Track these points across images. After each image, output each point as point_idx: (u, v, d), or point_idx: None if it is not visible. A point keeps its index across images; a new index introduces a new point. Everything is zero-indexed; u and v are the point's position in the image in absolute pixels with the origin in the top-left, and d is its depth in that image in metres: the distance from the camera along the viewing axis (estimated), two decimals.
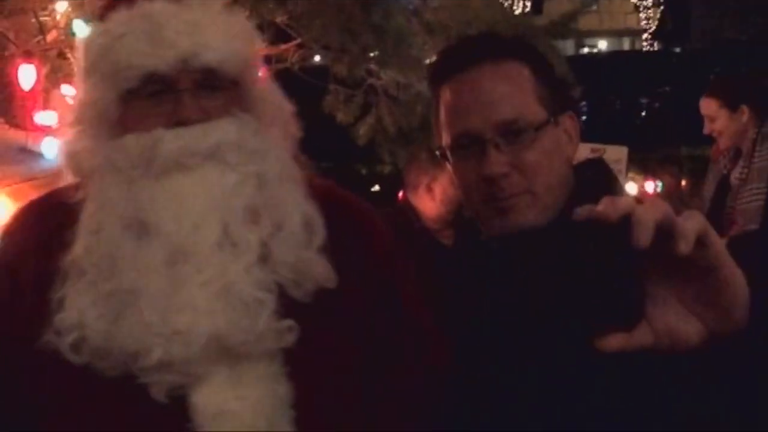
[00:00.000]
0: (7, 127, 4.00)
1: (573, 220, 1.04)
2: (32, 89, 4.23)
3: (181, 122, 1.59)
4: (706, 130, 5.14)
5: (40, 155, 3.74)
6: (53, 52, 4.38)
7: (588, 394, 1.51)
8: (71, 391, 1.58)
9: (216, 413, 1.54)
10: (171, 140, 1.58)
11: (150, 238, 1.57)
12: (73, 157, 1.68)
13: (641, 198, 1.08)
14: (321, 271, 1.63)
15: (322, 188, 1.76)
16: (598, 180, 1.78)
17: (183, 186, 1.58)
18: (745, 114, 4.99)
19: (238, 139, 1.61)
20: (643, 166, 8.12)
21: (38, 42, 4.25)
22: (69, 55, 4.56)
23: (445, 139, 1.75)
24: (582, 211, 1.04)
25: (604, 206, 1.04)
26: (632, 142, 6.54)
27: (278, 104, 1.74)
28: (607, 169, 1.85)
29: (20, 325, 1.60)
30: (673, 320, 1.08)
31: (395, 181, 5.17)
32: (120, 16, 1.63)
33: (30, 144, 3.82)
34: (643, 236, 0.99)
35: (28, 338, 1.56)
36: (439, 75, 1.79)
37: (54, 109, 4.24)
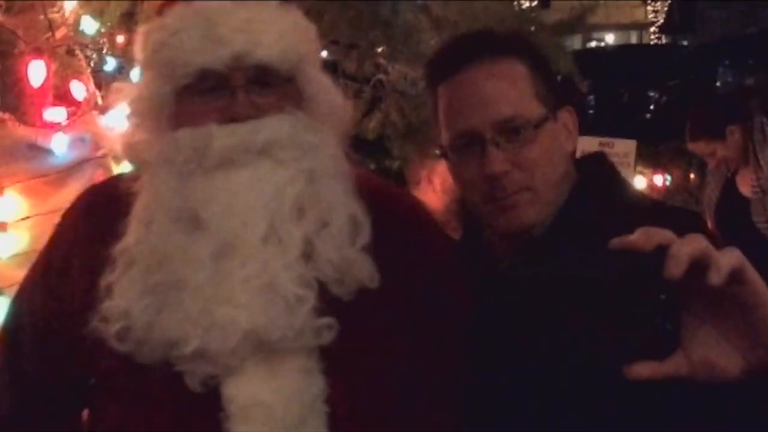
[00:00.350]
0: (17, 123, 4.00)
1: (607, 249, 1.04)
2: (42, 86, 4.24)
3: (234, 118, 1.61)
4: (711, 166, 5.15)
5: (50, 152, 3.75)
6: (62, 49, 4.38)
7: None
8: (113, 375, 1.63)
9: (248, 404, 1.56)
10: (223, 136, 1.60)
11: (199, 232, 1.60)
12: (130, 148, 1.74)
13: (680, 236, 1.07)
14: (364, 271, 1.65)
15: (372, 186, 1.78)
16: (601, 174, 1.78)
17: (234, 182, 1.61)
18: (735, 133, 4.98)
19: (289, 135, 1.63)
20: (651, 159, 8.08)
21: (47, 39, 4.24)
22: (78, 52, 4.57)
23: (445, 139, 1.75)
24: (616, 242, 1.05)
25: (638, 236, 1.04)
26: (641, 135, 6.52)
27: (332, 100, 1.76)
28: (609, 163, 1.85)
29: (70, 308, 1.63)
30: (713, 353, 1.08)
31: (404, 177, 5.16)
32: (176, 12, 1.67)
33: (40, 141, 3.82)
34: (675, 268, 1.01)
35: (77, 322, 1.62)
36: (435, 75, 1.79)
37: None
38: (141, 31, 1.75)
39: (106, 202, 1.76)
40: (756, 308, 1.06)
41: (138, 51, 1.77)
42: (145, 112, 1.71)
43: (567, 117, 1.77)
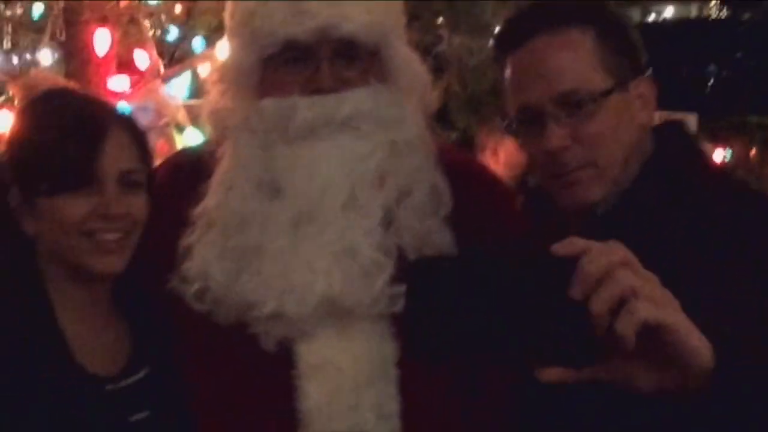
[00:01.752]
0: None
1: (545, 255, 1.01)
2: (106, 55, 4.28)
3: (318, 90, 1.63)
4: None
5: None
6: (126, 18, 4.42)
7: None
8: (191, 334, 1.67)
9: (319, 364, 1.59)
10: (306, 108, 1.62)
11: (279, 200, 1.63)
12: (215, 114, 1.75)
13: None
14: (443, 241, 1.66)
15: (453, 158, 1.78)
16: (677, 148, 1.72)
17: (315, 153, 1.63)
18: None
19: (372, 108, 1.64)
20: (711, 134, 7.97)
21: (112, 8, 4.27)
22: (141, 21, 4.60)
23: (509, 113, 1.73)
24: (557, 248, 1.02)
25: (560, 246, 1.02)
26: (700, 110, 6.42)
27: (416, 73, 1.76)
28: (686, 134, 1.79)
29: (155, 266, 1.67)
30: (629, 364, 1.05)
31: (463, 148, 5.14)
32: None
33: None
34: (576, 289, 0.98)
35: (161, 280, 1.66)
36: (502, 47, 1.76)
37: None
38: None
39: (190, 165, 1.79)
40: (675, 359, 1.03)
41: (226, 19, 1.78)
42: (231, 79, 1.73)
43: (644, 87, 1.69)
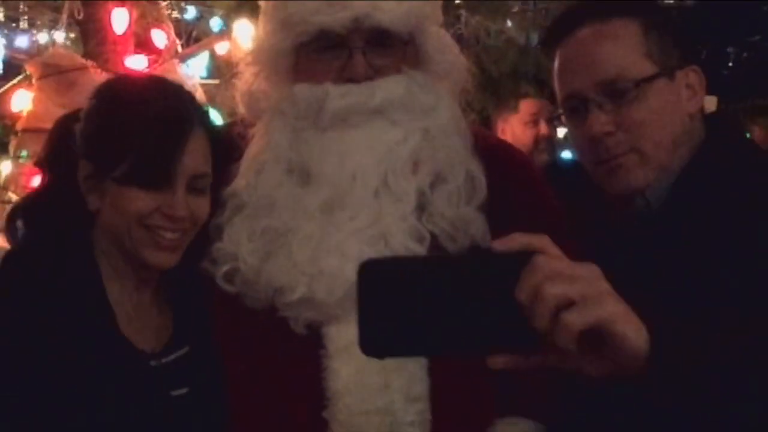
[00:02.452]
0: (99, 70, 4.05)
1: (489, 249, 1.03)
2: (124, 33, 4.28)
3: (350, 79, 1.63)
4: None
5: None
6: None
7: None
8: (223, 314, 1.68)
9: (348, 345, 1.58)
10: (338, 96, 1.62)
11: (309, 186, 1.63)
12: (248, 96, 1.76)
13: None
14: (477, 229, 1.65)
15: (489, 144, 1.77)
16: (726, 136, 1.73)
17: (347, 140, 1.64)
18: None
19: (404, 96, 1.64)
20: None
21: None
22: (159, 0, 4.60)
23: (558, 101, 1.74)
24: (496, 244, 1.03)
25: (502, 242, 1.03)
26: (720, 92, 6.38)
27: (451, 59, 1.76)
28: (736, 121, 1.80)
29: (195, 244, 1.67)
30: (579, 358, 1.05)
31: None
32: None
33: None
34: (519, 291, 0.99)
35: (198, 260, 1.67)
36: (552, 38, 1.78)
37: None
38: None
39: (220, 145, 1.75)
40: (615, 353, 1.04)
41: (261, 3, 1.79)
42: (265, 62, 1.74)
43: (692, 76, 1.70)
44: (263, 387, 1.67)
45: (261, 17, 1.77)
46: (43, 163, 1.70)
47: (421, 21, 1.69)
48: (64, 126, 1.67)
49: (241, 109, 1.78)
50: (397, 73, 1.66)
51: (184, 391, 1.64)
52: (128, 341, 1.60)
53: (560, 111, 1.73)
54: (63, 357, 1.51)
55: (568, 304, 0.99)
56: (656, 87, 1.64)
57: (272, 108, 1.70)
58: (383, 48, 1.65)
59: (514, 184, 1.75)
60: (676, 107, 1.66)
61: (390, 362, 1.57)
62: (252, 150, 1.71)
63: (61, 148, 1.65)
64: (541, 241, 1.03)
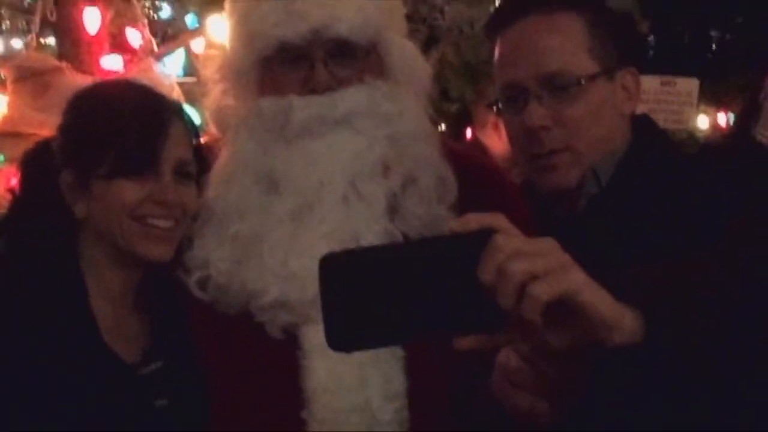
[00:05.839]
0: (74, 71, 4.03)
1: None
2: (97, 34, 4.26)
3: (313, 90, 1.64)
4: None
5: None
6: None
7: None
8: (199, 322, 1.69)
9: (324, 344, 1.56)
10: (302, 108, 1.64)
11: (278, 195, 1.66)
12: (217, 113, 1.78)
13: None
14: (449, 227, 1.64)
15: (455, 150, 1.80)
16: (654, 135, 1.74)
17: (312, 150, 1.65)
18: None
19: (367, 106, 1.66)
20: (714, 98, 7.92)
21: None
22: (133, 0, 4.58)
23: (496, 89, 1.74)
24: (454, 224, 1.04)
25: (459, 222, 1.03)
26: (703, 75, 6.39)
27: (414, 65, 1.77)
28: (657, 125, 1.80)
29: None
30: (544, 332, 1.04)
31: (462, 120, 5.11)
32: None
33: None
34: (482, 272, 0.98)
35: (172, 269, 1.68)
36: (493, 27, 1.77)
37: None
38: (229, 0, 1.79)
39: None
40: (584, 324, 1.03)
41: (226, 19, 1.81)
42: (232, 78, 1.76)
43: (629, 78, 1.70)
44: (242, 392, 1.67)
45: (227, 35, 1.81)
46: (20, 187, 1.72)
47: (382, 31, 1.69)
48: (33, 151, 1.72)
49: (212, 127, 1.82)
50: (359, 83, 1.66)
51: (164, 403, 1.65)
52: (112, 353, 1.61)
53: (497, 98, 1.72)
54: (48, 368, 1.52)
55: (533, 278, 0.99)
56: (597, 85, 1.65)
57: (239, 124, 1.71)
58: (345, 59, 1.66)
59: (480, 189, 1.74)
60: (612, 108, 1.68)
61: (367, 360, 1.57)
62: (220, 162, 1.72)
63: (36, 171, 1.69)
64: (497, 219, 1.02)
